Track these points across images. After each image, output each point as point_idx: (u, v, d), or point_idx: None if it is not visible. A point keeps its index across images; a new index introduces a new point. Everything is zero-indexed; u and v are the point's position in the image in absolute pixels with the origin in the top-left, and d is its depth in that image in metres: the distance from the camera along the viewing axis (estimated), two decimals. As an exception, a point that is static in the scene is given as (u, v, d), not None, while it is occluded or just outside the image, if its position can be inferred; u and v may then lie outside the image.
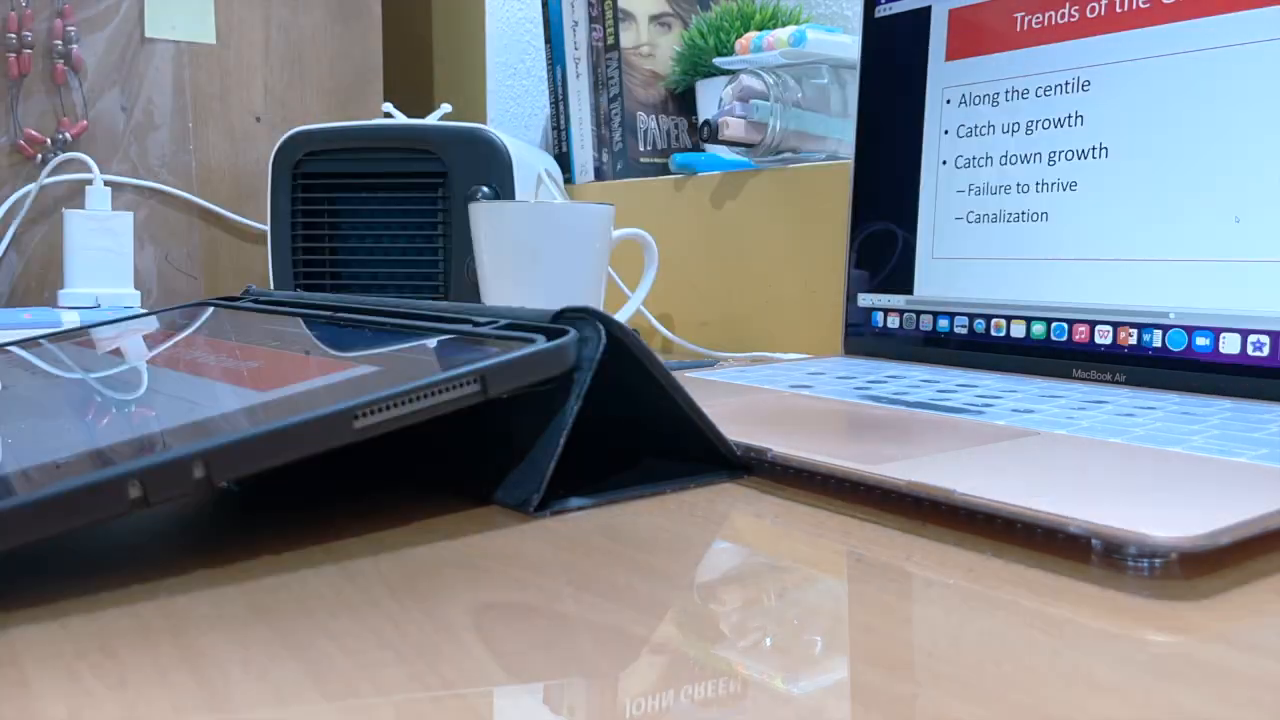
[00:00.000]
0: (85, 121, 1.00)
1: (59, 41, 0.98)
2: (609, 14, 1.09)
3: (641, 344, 0.36)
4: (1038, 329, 0.58)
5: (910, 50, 0.66)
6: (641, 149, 1.09)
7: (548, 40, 1.16)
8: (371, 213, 0.91)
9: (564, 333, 0.35)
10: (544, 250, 0.73)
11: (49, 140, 0.98)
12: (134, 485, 0.26)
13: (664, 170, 1.05)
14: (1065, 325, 0.57)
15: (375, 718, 0.20)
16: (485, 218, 0.75)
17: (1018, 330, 0.59)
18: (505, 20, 1.25)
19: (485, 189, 0.87)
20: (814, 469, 0.37)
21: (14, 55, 0.96)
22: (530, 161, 0.93)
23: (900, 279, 0.66)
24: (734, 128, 0.82)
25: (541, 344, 0.34)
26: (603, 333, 0.35)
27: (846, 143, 0.85)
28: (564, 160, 1.14)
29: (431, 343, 0.37)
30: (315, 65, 1.11)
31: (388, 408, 0.30)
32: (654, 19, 1.11)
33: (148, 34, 1.02)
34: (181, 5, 1.04)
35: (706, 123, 0.83)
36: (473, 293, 0.85)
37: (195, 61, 1.05)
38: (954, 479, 0.33)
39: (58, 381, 0.41)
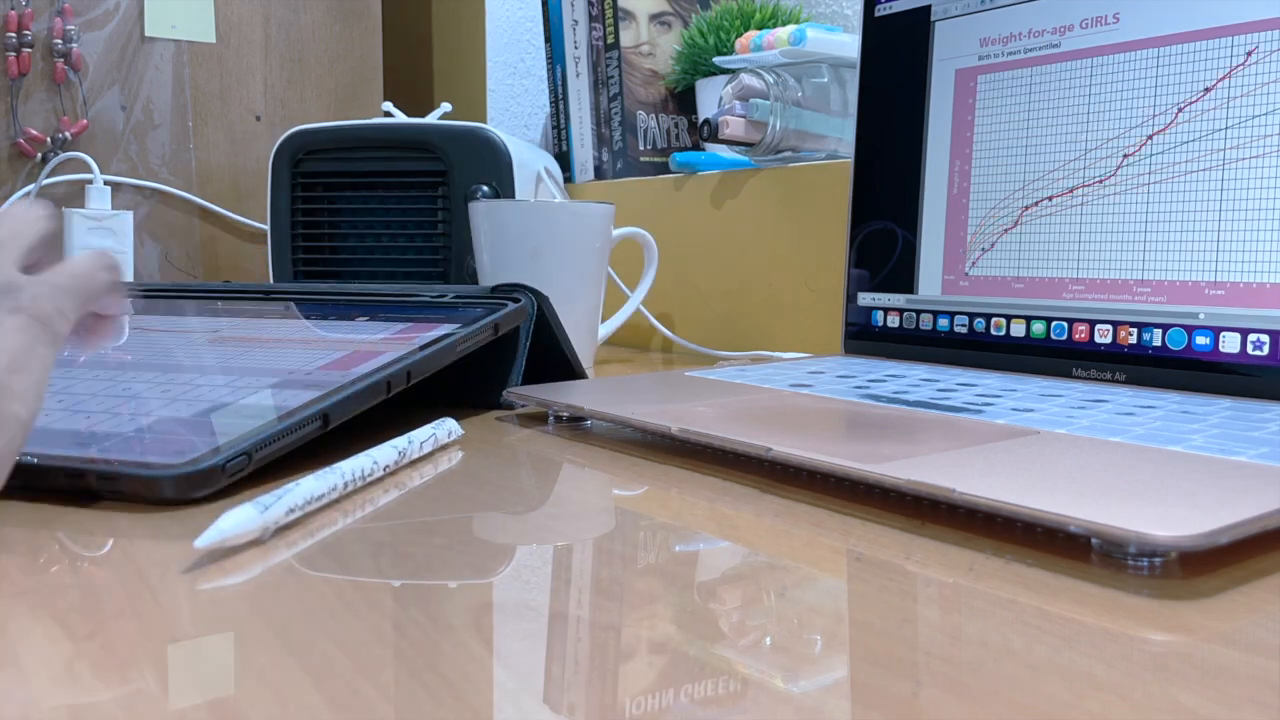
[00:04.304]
0: (85, 121, 1.00)
1: (59, 41, 0.98)
2: (609, 13, 1.09)
3: (549, 304, 0.56)
4: (1038, 328, 0.58)
5: (910, 49, 0.66)
6: (641, 148, 1.09)
7: (548, 39, 1.16)
8: (371, 212, 0.91)
9: (503, 303, 0.53)
10: (544, 249, 0.73)
11: (49, 140, 0.98)
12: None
13: (664, 169, 1.05)
14: (1065, 324, 0.57)
15: (375, 717, 0.20)
16: (485, 217, 0.75)
17: (1018, 329, 0.59)
18: (505, 20, 1.25)
19: (485, 188, 0.87)
20: (814, 469, 0.37)
21: (14, 55, 0.96)
22: (530, 160, 0.93)
23: (900, 278, 0.66)
24: (734, 127, 0.82)
25: (513, 305, 0.53)
26: (533, 300, 0.55)
27: (846, 142, 0.84)
28: (564, 159, 1.14)
29: (439, 311, 0.54)
30: (315, 65, 1.11)
31: (467, 338, 0.49)
32: (654, 18, 1.11)
33: (147, 33, 1.02)
34: (181, 4, 1.04)
35: (706, 122, 0.83)
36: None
37: (195, 60, 1.05)
38: (954, 478, 0.33)
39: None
